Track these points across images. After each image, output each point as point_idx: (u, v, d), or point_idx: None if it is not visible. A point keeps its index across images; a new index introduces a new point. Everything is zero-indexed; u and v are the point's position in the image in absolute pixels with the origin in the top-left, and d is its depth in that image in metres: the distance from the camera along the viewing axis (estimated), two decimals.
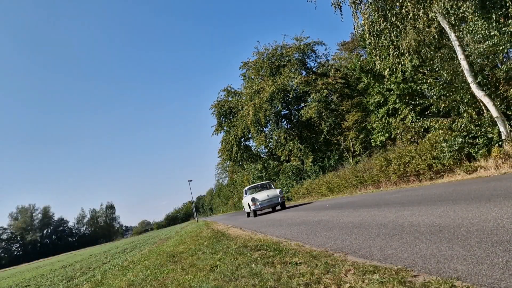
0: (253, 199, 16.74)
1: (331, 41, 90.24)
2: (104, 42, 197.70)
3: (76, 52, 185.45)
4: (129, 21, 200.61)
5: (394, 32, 11.91)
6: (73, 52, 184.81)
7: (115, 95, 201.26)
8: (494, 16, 9.59)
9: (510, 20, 9.32)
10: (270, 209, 18.99)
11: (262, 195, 17.02)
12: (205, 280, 4.24)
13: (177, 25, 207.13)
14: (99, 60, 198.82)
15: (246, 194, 19.09)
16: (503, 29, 9.40)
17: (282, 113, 32.86)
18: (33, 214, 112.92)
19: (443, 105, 12.43)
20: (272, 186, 19.22)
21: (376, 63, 13.20)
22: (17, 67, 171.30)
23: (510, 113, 10.36)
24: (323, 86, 25.81)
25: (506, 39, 9.39)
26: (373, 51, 12.96)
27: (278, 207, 18.26)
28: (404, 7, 11.20)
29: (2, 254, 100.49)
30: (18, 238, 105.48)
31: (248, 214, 18.92)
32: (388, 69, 13.43)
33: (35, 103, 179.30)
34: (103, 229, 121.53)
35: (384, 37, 12.13)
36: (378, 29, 12.17)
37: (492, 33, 9.63)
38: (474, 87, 10.58)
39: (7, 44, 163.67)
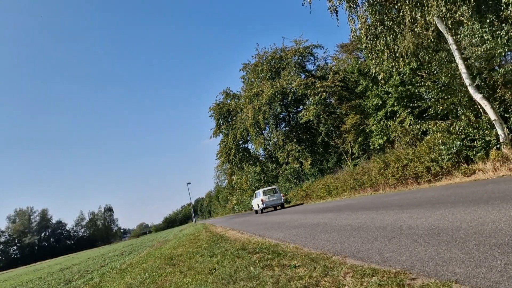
0: (261, 200, 22.34)
1: (331, 42, 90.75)
2: (104, 46, 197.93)
3: (76, 55, 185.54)
4: (127, 23, 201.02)
5: (391, 36, 11.95)
6: (73, 55, 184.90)
7: (114, 98, 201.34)
8: (488, 20, 9.64)
9: (504, 24, 9.37)
10: (272, 209, 23.93)
11: (269, 197, 22.65)
12: (203, 283, 4.23)
13: (175, 28, 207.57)
14: (99, 63, 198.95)
15: (256, 196, 24.42)
16: (497, 32, 9.45)
17: (281, 115, 32.90)
18: (31, 217, 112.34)
19: (441, 107, 12.49)
20: (278, 191, 23.91)
21: (372, 67, 13.25)
22: (16, 69, 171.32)
23: (508, 115, 10.41)
24: (322, 89, 25.86)
25: (502, 42, 9.43)
26: (369, 55, 13.01)
27: (279, 207, 23.55)
28: (401, 11, 11.26)
29: (0, 257, 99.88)
30: (16, 241, 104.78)
31: (256, 212, 24.33)
32: (382, 73, 13.44)
33: (34, 105, 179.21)
34: (101, 231, 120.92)
35: (379, 41, 12.18)
36: (375, 33, 12.22)
37: (486, 37, 9.68)
38: (472, 90, 10.63)
39: (7, 47, 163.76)
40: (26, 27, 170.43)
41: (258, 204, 23.57)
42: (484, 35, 9.67)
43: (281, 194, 23.36)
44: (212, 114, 37.55)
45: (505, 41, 9.34)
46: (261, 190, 24.05)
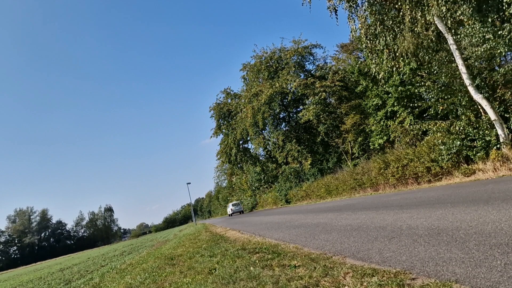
0: (230, 209, 40.57)
1: (330, 42, 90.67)
2: (105, 45, 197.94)
3: (77, 54, 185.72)
4: (129, 23, 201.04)
5: (391, 36, 11.94)
6: (75, 54, 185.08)
7: (115, 98, 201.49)
8: (490, 20, 9.63)
9: (506, 24, 9.36)
10: (238, 213, 40.31)
11: (234, 207, 40.60)
12: (203, 283, 4.23)
13: (176, 28, 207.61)
14: (99, 62, 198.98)
15: (228, 206, 42.48)
16: (499, 32, 9.44)
17: (281, 115, 32.89)
18: (31, 217, 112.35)
19: (441, 107, 12.47)
20: (240, 204, 41.68)
21: (372, 67, 13.24)
22: (16, 69, 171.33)
23: (508, 115, 10.40)
24: (321, 89, 25.82)
25: (502, 42, 9.42)
26: (369, 54, 13.01)
27: (241, 213, 40.47)
28: (401, 11, 11.25)
29: (0, 257, 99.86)
30: (16, 241, 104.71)
31: (229, 215, 41.07)
32: (382, 73, 13.43)
33: (34, 105, 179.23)
34: (101, 231, 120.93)
35: (379, 41, 12.17)
36: (374, 33, 12.21)
37: (487, 37, 9.67)
38: (472, 90, 10.61)
39: (6, 45, 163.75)
40: (28, 25, 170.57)
41: (228, 211, 41.42)
42: (486, 34, 9.66)
43: (241, 206, 41.52)
44: (213, 115, 37.59)
45: (507, 41, 9.32)
46: (230, 203, 42.14)
